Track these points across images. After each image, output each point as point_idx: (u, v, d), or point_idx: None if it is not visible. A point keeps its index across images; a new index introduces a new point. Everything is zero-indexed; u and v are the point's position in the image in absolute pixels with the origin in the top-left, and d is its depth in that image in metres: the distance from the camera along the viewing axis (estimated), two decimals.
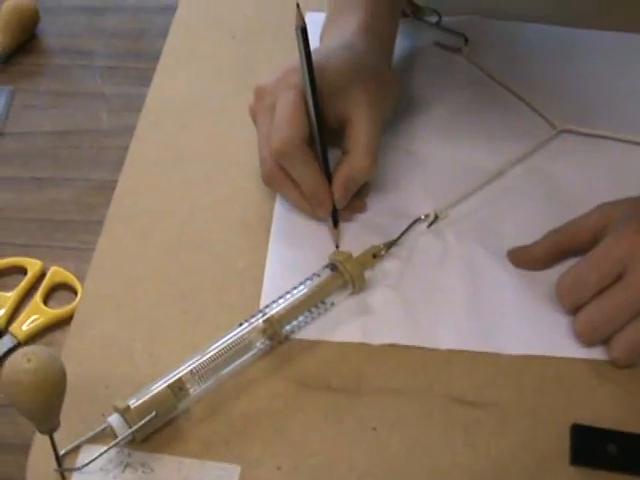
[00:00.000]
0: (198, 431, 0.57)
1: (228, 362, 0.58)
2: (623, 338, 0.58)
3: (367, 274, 0.64)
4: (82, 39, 1.94)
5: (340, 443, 0.57)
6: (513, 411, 0.58)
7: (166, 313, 0.63)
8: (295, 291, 0.62)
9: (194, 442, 0.57)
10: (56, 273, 1.50)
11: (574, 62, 0.80)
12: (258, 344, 0.60)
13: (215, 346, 0.58)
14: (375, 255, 0.64)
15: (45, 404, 0.49)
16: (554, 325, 0.62)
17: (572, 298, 0.61)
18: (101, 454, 0.55)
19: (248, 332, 0.59)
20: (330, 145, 0.67)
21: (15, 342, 1.42)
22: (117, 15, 2.00)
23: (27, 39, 1.91)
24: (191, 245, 0.67)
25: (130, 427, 0.55)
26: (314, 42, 0.65)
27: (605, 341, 0.60)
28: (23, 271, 1.51)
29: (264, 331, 0.60)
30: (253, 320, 0.60)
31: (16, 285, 1.49)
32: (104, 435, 0.56)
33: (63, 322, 1.44)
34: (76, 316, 0.64)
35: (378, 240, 0.65)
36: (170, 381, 0.56)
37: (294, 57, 0.65)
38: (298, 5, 0.63)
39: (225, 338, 0.59)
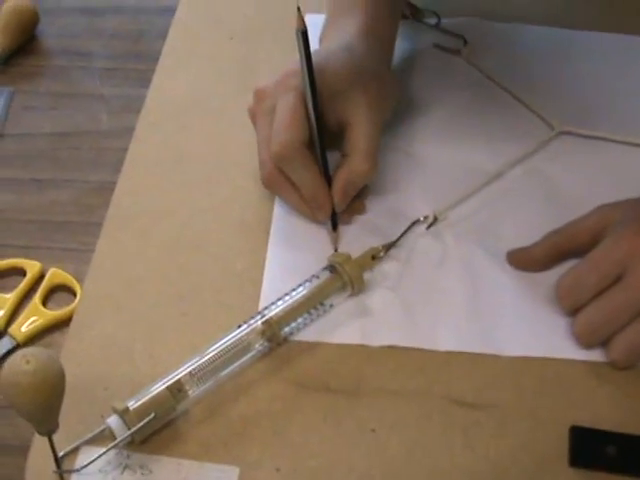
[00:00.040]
0: (197, 433, 0.57)
1: (227, 364, 0.58)
2: (622, 339, 0.58)
3: (366, 276, 0.64)
4: (82, 40, 1.94)
5: (339, 444, 0.57)
6: (512, 413, 0.58)
7: (165, 314, 0.63)
8: (294, 293, 0.62)
9: (193, 444, 0.56)
10: (55, 274, 1.50)
11: (573, 64, 0.80)
12: (257, 346, 0.60)
13: (214, 347, 0.58)
14: (374, 257, 0.64)
15: (44, 405, 0.49)
16: (553, 327, 0.62)
17: (571, 299, 0.61)
18: (100, 455, 0.55)
19: (247, 334, 0.59)
20: (330, 148, 0.67)
21: (14, 343, 1.42)
22: (117, 16, 2.00)
23: (27, 40, 1.91)
24: (190, 246, 0.67)
25: (129, 429, 0.55)
26: (313, 44, 0.65)
27: (604, 343, 0.60)
28: (22, 272, 1.51)
29: (263, 333, 0.60)
30: (252, 322, 0.60)
31: (15, 286, 1.49)
32: (103, 436, 0.56)
33: (62, 323, 1.44)
34: (75, 317, 0.64)
35: (377, 242, 0.65)
36: (169, 383, 0.56)
37: (294, 59, 0.65)
38: (299, 8, 0.63)
39: (224, 340, 0.59)
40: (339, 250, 0.66)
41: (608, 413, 0.58)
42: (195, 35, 0.85)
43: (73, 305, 1.45)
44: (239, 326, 0.60)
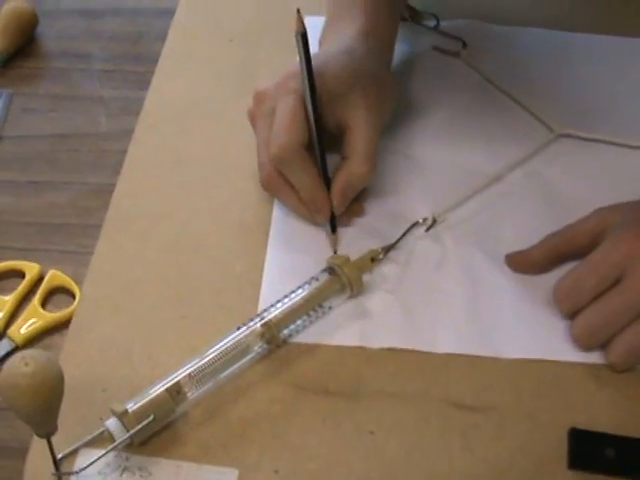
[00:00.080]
0: (196, 435, 0.57)
1: (226, 366, 0.58)
2: (621, 342, 0.58)
3: (365, 278, 0.64)
4: (81, 42, 1.94)
5: (338, 447, 0.57)
6: (511, 415, 0.58)
7: (164, 316, 0.63)
8: (293, 295, 0.62)
9: (192, 446, 0.56)
10: (54, 277, 1.50)
11: (572, 66, 0.80)
12: (256, 348, 0.60)
13: (213, 350, 0.58)
14: (373, 259, 0.64)
15: (43, 408, 0.49)
16: (552, 329, 0.62)
17: (570, 302, 0.61)
18: (99, 458, 0.55)
19: (246, 336, 0.59)
20: (329, 150, 0.67)
21: (13, 346, 1.42)
22: (115, 18, 2.00)
23: (26, 42, 1.91)
24: (189, 248, 0.67)
25: (128, 431, 0.55)
26: (313, 46, 0.65)
27: (603, 345, 0.60)
28: (21, 275, 1.51)
29: (262, 335, 0.60)
30: (251, 324, 0.60)
31: (14, 289, 1.49)
32: (102, 439, 0.56)
33: (61, 326, 1.44)
34: (74, 319, 0.64)
35: (376, 244, 0.65)
36: (168, 385, 0.56)
37: (294, 62, 0.65)
38: (299, 10, 0.63)
39: (223, 342, 0.59)
40: (338, 252, 0.66)
41: (607, 415, 0.58)
42: (194, 37, 0.85)
43: (72, 307, 1.45)
44: (238, 328, 0.60)
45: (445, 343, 0.61)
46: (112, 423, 0.55)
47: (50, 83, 1.87)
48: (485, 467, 0.56)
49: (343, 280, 0.62)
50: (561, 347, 0.61)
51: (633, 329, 0.58)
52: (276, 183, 0.66)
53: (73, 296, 1.49)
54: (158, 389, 0.56)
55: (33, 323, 1.44)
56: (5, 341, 1.42)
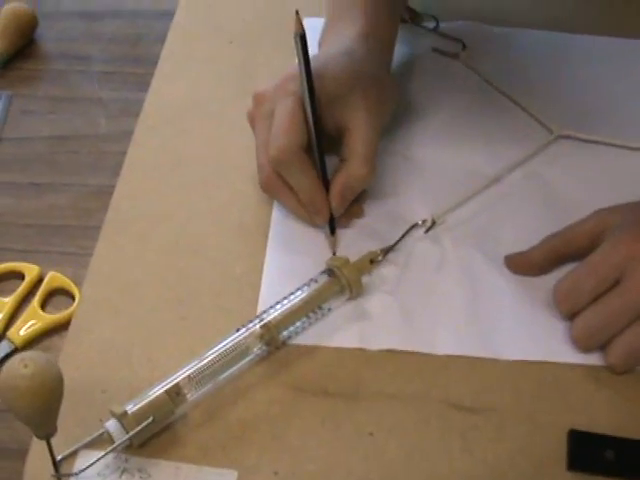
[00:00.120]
0: (195, 436, 0.57)
1: (225, 367, 0.58)
2: (620, 343, 0.58)
3: (364, 280, 0.64)
4: (80, 44, 1.94)
5: (337, 448, 0.57)
6: (510, 416, 0.58)
7: (164, 318, 0.63)
8: (292, 296, 0.62)
9: (191, 447, 0.56)
10: (54, 278, 1.50)
11: (571, 67, 0.80)
12: (255, 349, 0.60)
13: (212, 351, 0.58)
14: (372, 261, 0.64)
15: (42, 409, 0.49)
16: (552, 330, 0.62)
17: (569, 304, 0.61)
18: (98, 459, 0.55)
19: (245, 337, 0.59)
20: (328, 152, 0.67)
21: (12, 347, 1.41)
22: (115, 20, 2.00)
23: (25, 44, 1.90)
24: (189, 250, 0.67)
25: (127, 432, 0.55)
26: (313, 48, 0.65)
27: (603, 346, 0.60)
28: (20, 276, 1.51)
29: (261, 336, 0.60)
30: (250, 325, 0.60)
31: (13, 290, 1.48)
32: (101, 440, 0.56)
33: (61, 327, 1.43)
34: (74, 321, 0.64)
35: (375, 246, 0.65)
36: (167, 386, 0.56)
37: (293, 64, 0.65)
38: (297, 12, 0.63)
39: (222, 343, 0.59)
40: (337, 254, 0.66)
41: (606, 417, 0.58)
42: (194, 39, 0.85)
43: (71, 309, 1.45)
44: (237, 330, 0.60)
45: (445, 344, 0.61)
46: (111, 424, 0.55)
47: (49, 85, 1.86)
48: (484, 468, 0.56)
49: (342, 282, 0.62)
50: (560, 348, 0.61)
51: (632, 330, 0.58)
52: (275, 185, 0.66)
53: (73, 298, 1.48)
54: (157, 391, 0.56)
55: (32, 325, 1.44)
56: (4, 343, 1.42)
